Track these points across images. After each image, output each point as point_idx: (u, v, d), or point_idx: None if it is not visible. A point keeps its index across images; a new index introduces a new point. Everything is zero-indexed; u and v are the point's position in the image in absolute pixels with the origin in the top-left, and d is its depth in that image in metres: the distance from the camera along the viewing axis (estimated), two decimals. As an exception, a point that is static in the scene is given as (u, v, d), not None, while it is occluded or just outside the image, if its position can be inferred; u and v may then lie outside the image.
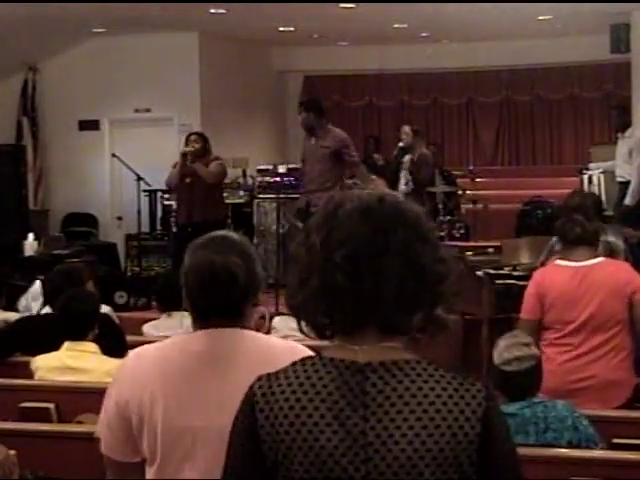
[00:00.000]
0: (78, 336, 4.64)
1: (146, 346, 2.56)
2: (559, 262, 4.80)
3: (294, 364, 1.80)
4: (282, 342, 2.55)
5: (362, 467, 1.69)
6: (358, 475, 1.69)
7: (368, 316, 1.73)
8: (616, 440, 3.79)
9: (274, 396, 1.76)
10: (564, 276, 4.71)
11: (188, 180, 9.31)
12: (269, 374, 1.80)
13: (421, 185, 11.51)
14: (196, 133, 9.83)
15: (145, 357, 2.49)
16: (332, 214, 1.77)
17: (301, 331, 1.81)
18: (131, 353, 2.54)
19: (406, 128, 10.35)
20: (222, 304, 2.45)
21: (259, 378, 1.81)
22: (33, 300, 6.34)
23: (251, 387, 1.81)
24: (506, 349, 3.75)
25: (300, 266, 1.77)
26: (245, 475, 1.77)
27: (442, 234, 10.86)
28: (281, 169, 11.49)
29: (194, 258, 2.48)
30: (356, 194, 1.80)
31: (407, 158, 9.98)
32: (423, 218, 1.79)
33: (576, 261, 4.72)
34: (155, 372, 2.42)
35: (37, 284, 6.50)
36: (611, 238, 5.40)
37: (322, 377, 1.74)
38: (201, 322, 2.47)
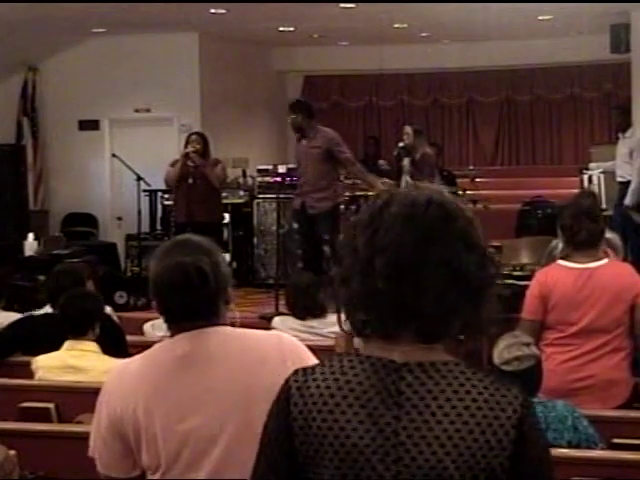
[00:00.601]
0: (78, 334, 4.65)
1: (126, 360, 2.58)
2: (563, 263, 4.79)
3: (331, 359, 1.79)
4: (267, 333, 2.56)
5: (392, 467, 1.68)
6: (388, 474, 1.68)
7: (406, 321, 1.71)
8: (616, 440, 3.79)
9: (309, 390, 1.75)
10: (568, 277, 4.70)
11: (191, 180, 9.33)
12: (305, 368, 1.79)
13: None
14: (197, 133, 9.84)
15: (129, 370, 2.48)
16: (377, 215, 1.74)
17: (341, 327, 1.79)
18: (114, 369, 2.54)
19: (407, 128, 10.33)
20: (197, 304, 2.44)
21: (295, 371, 1.80)
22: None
23: (287, 380, 1.79)
24: (506, 349, 3.75)
25: (344, 264, 1.76)
26: (276, 467, 1.76)
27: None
28: (281, 169, 11.48)
29: (162, 263, 2.46)
30: (404, 194, 1.76)
31: (407, 161, 9.95)
32: (473, 224, 1.76)
33: (580, 262, 4.72)
34: (144, 382, 2.42)
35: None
36: (610, 235, 5.40)
37: (358, 374, 1.73)
38: (178, 325, 2.47)
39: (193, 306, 2.44)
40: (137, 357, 2.54)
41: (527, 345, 3.80)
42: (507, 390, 1.71)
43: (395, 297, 1.70)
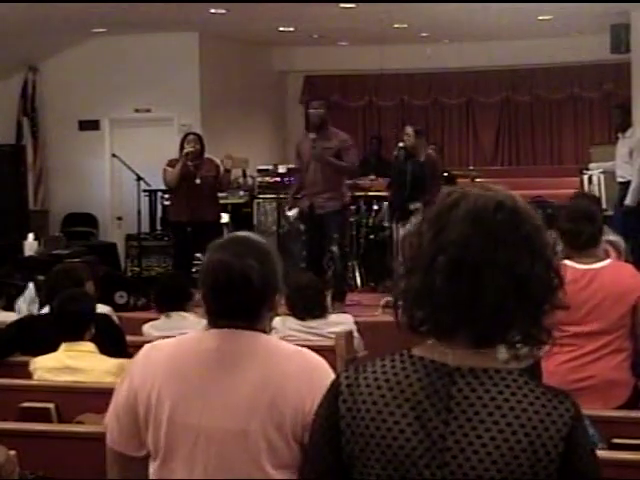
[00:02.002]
0: (74, 337, 4.64)
1: (161, 341, 2.57)
2: (566, 262, 4.79)
3: (383, 359, 1.77)
4: (292, 347, 2.54)
5: (438, 472, 1.66)
6: (434, 479, 1.66)
7: (462, 322, 1.70)
8: (616, 440, 3.78)
9: (359, 388, 1.73)
10: (570, 277, 4.70)
11: (198, 181, 9.34)
12: (357, 366, 1.78)
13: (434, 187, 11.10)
14: (194, 133, 9.85)
15: (158, 352, 2.49)
16: (446, 212, 1.73)
17: (397, 323, 1.77)
18: (146, 346, 2.54)
19: (408, 129, 10.28)
20: (236, 306, 2.44)
21: (347, 368, 1.79)
22: (31, 303, 6.32)
23: (338, 376, 1.78)
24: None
25: (408, 257, 1.75)
26: (323, 463, 1.76)
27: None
28: (281, 169, 11.49)
29: (212, 258, 2.48)
30: (476, 194, 1.74)
31: (409, 169, 9.88)
32: (540, 232, 1.73)
33: (583, 263, 4.72)
34: (165, 368, 2.43)
35: (31, 287, 6.47)
36: (613, 237, 5.40)
37: (409, 375, 1.71)
38: (215, 322, 2.48)
39: (232, 306, 2.44)
40: (170, 341, 2.55)
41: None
42: (559, 402, 1.69)
43: (453, 297, 1.68)
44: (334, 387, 1.76)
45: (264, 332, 2.50)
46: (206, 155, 9.62)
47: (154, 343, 2.56)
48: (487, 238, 1.68)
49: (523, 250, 1.69)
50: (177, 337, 2.59)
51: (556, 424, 1.66)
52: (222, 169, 9.60)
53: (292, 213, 9.45)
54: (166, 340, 2.58)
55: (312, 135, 8.87)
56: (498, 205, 1.72)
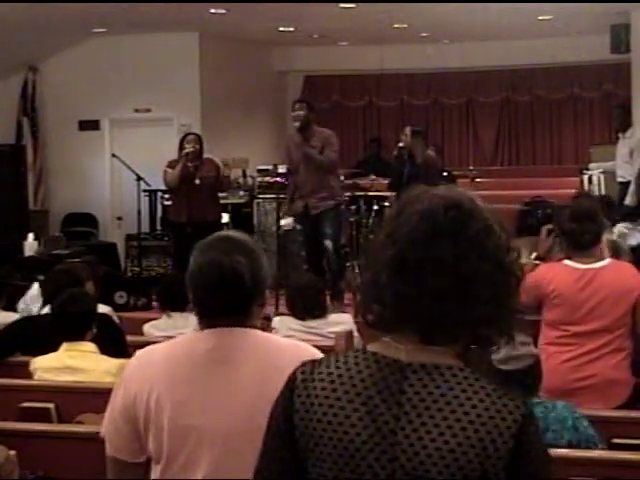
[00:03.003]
0: (75, 337, 4.64)
1: (154, 345, 2.57)
2: (566, 262, 4.80)
3: (338, 354, 1.79)
4: (288, 341, 2.55)
5: (388, 466, 1.68)
6: (383, 473, 1.68)
7: (406, 319, 1.71)
8: (616, 440, 3.79)
9: (313, 383, 1.75)
10: (571, 277, 4.71)
11: (198, 182, 9.36)
12: (313, 361, 1.80)
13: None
14: (193, 133, 9.87)
15: (153, 356, 2.49)
16: (399, 213, 1.75)
17: (355, 318, 1.82)
18: (139, 352, 2.54)
19: (407, 129, 10.32)
20: (229, 304, 2.45)
21: (303, 363, 1.80)
22: (33, 302, 6.32)
23: (294, 371, 1.80)
24: (503, 348, 3.74)
25: (366, 255, 1.79)
26: (278, 458, 1.77)
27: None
28: (281, 169, 11.48)
29: (201, 258, 2.48)
30: (431, 194, 1.75)
31: (406, 170, 9.90)
32: (491, 232, 1.73)
33: (583, 263, 4.72)
34: (162, 371, 2.43)
35: (35, 286, 6.48)
36: (615, 237, 5.41)
37: (361, 370, 1.73)
38: (207, 321, 2.48)
39: (224, 305, 2.45)
40: (164, 344, 2.55)
41: (524, 344, 3.80)
42: (510, 399, 1.70)
43: (397, 292, 1.70)
44: (290, 382, 1.79)
45: (256, 328, 2.51)
46: (206, 155, 9.63)
47: (148, 348, 2.55)
48: (434, 235, 1.69)
49: (470, 249, 1.69)
50: (170, 340, 2.58)
51: (506, 421, 1.67)
52: (222, 169, 9.64)
53: (285, 222, 9.47)
54: (158, 344, 2.58)
55: (295, 135, 8.93)
56: (451, 204, 1.72)
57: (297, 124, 8.87)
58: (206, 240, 2.54)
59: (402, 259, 1.70)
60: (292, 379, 1.79)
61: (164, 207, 11.84)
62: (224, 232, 2.66)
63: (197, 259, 2.49)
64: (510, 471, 1.66)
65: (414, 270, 1.69)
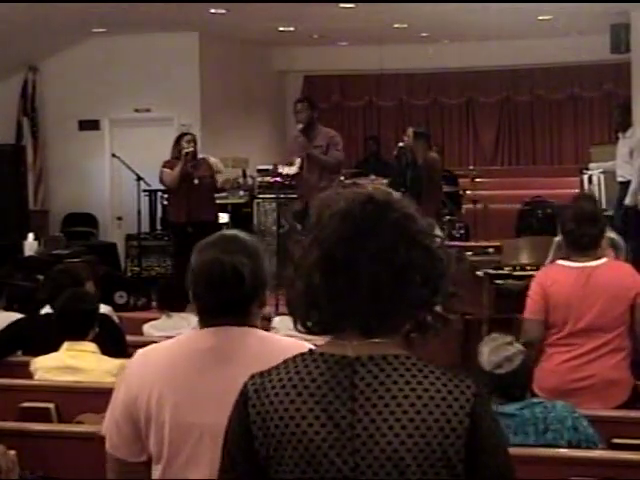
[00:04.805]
0: (78, 336, 4.65)
1: (155, 344, 2.58)
2: (562, 262, 4.80)
3: (286, 361, 1.82)
4: (288, 340, 2.55)
5: (350, 459, 1.70)
6: (346, 467, 1.70)
7: (344, 315, 1.74)
8: (616, 440, 3.79)
9: (265, 391, 1.78)
10: (568, 277, 4.71)
11: (196, 181, 9.38)
12: (262, 371, 1.83)
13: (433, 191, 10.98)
14: (190, 134, 9.90)
15: (153, 355, 2.50)
16: (319, 216, 1.78)
17: (296, 329, 1.83)
18: (139, 351, 2.54)
19: (409, 130, 10.31)
20: (229, 303, 2.46)
21: (252, 375, 1.83)
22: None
23: (245, 384, 1.82)
24: (492, 353, 3.73)
25: (292, 266, 1.80)
26: (239, 471, 1.79)
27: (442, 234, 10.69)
28: (281, 169, 11.47)
29: (202, 257, 2.49)
30: (345, 195, 1.79)
31: (409, 173, 9.86)
32: (412, 219, 1.77)
33: (580, 262, 4.72)
34: (163, 370, 2.43)
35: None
36: (612, 235, 5.41)
37: (311, 371, 1.76)
38: (207, 320, 2.48)
39: (225, 304, 2.45)
40: (164, 343, 2.56)
41: (510, 343, 3.80)
42: (460, 380, 1.74)
43: (331, 292, 1.73)
44: (242, 395, 1.81)
45: (256, 328, 2.51)
46: (200, 155, 9.69)
47: (148, 347, 2.55)
48: (356, 230, 1.73)
49: (394, 238, 1.73)
50: (170, 340, 2.59)
51: (459, 401, 1.71)
52: (215, 169, 9.70)
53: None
54: (159, 344, 2.58)
55: (298, 134, 8.91)
56: (367, 198, 1.77)
57: (301, 125, 8.86)
58: (209, 239, 2.55)
59: (330, 258, 1.73)
60: (244, 392, 1.81)
61: (164, 207, 11.84)
62: (228, 231, 2.67)
63: (199, 257, 2.49)
64: (469, 448, 1.69)
65: (343, 266, 1.72)
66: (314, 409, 1.73)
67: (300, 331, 1.82)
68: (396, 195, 1.81)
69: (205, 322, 2.49)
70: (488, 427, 1.73)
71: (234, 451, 1.80)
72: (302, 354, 1.81)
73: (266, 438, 1.75)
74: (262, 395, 1.77)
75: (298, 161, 8.98)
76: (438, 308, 1.77)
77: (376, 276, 1.71)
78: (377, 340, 1.74)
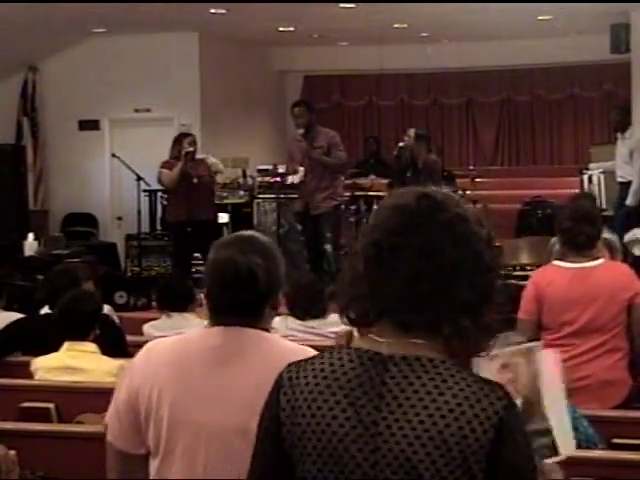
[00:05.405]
0: (79, 336, 4.65)
1: (163, 339, 2.58)
2: (558, 263, 4.80)
3: (324, 353, 1.82)
4: (295, 346, 2.55)
5: (370, 456, 1.70)
6: (366, 464, 1.70)
7: (384, 307, 1.74)
8: (616, 440, 3.79)
9: (298, 380, 1.79)
10: (563, 277, 4.71)
11: (195, 181, 9.41)
12: (300, 361, 1.83)
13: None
14: (191, 135, 9.92)
15: (159, 349, 2.50)
16: (375, 212, 1.82)
17: (342, 320, 1.84)
18: (147, 344, 2.55)
19: (411, 131, 10.31)
20: (241, 303, 2.46)
21: (289, 364, 1.84)
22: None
23: (281, 373, 1.83)
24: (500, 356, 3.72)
25: (346, 260, 1.84)
26: (266, 456, 1.81)
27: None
28: (281, 169, 11.48)
29: (218, 255, 2.49)
30: (403, 191, 1.81)
31: (409, 177, 9.86)
32: (465, 221, 1.75)
33: (576, 262, 4.71)
34: (168, 365, 2.44)
35: None
36: (609, 235, 5.41)
37: (344, 365, 1.76)
38: (217, 319, 2.49)
39: (237, 304, 2.45)
40: (172, 338, 2.56)
41: (520, 343, 3.79)
42: (491, 390, 1.71)
43: (372, 281, 1.73)
44: (277, 382, 1.83)
45: (267, 331, 2.51)
46: (199, 155, 9.73)
47: (156, 341, 2.56)
48: (406, 222, 1.74)
49: (444, 236, 1.73)
50: (180, 335, 2.60)
51: (486, 411, 1.68)
52: (212, 169, 9.74)
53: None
54: (168, 338, 2.59)
55: (300, 138, 8.91)
56: (422, 195, 1.77)
57: (302, 130, 8.86)
58: (226, 238, 2.58)
59: (376, 246, 1.74)
60: (279, 379, 1.82)
61: (164, 207, 11.85)
62: (245, 232, 2.67)
63: (214, 256, 2.50)
64: (491, 460, 1.67)
65: (387, 256, 1.72)
66: (341, 402, 1.73)
67: (344, 323, 1.83)
68: (456, 196, 1.81)
69: (215, 321, 2.49)
70: (513, 442, 1.69)
71: (265, 438, 1.81)
72: (340, 348, 1.81)
73: (293, 426, 1.76)
74: (294, 384, 1.78)
75: (302, 169, 9.00)
76: (483, 317, 1.74)
77: (417, 271, 1.71)
78: (413, 340, 1.73)
